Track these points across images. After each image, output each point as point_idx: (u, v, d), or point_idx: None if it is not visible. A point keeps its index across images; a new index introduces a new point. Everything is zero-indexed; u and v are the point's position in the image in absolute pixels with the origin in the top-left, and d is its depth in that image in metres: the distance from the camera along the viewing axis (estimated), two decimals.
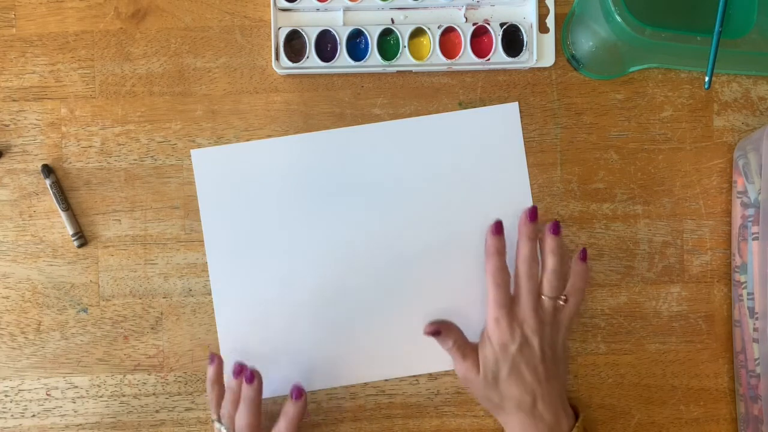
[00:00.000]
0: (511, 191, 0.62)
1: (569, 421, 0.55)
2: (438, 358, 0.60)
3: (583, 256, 0.58)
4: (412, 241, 0.62)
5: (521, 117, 0.62)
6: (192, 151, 0.62)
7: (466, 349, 0.57)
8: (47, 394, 0.62)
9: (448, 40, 0.62)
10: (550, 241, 0.56)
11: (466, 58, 0.61)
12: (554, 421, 0.55)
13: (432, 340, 0.57)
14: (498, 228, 0.57)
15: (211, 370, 0.59)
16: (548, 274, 0.56)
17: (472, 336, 0.57)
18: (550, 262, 0.56)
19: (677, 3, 0.59)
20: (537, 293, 0.56)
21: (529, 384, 0.55)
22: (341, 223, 0.62)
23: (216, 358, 0.59)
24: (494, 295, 0.56)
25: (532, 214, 0.57)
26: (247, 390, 0.56)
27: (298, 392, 0.57)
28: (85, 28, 0.63)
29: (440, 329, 0.57)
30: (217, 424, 0.57)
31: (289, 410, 0.57)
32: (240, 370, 0.57)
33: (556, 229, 0.56)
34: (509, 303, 0.56)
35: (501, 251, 0.57)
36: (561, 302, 0.56)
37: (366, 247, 0.62)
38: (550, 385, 0.55)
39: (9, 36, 0.62)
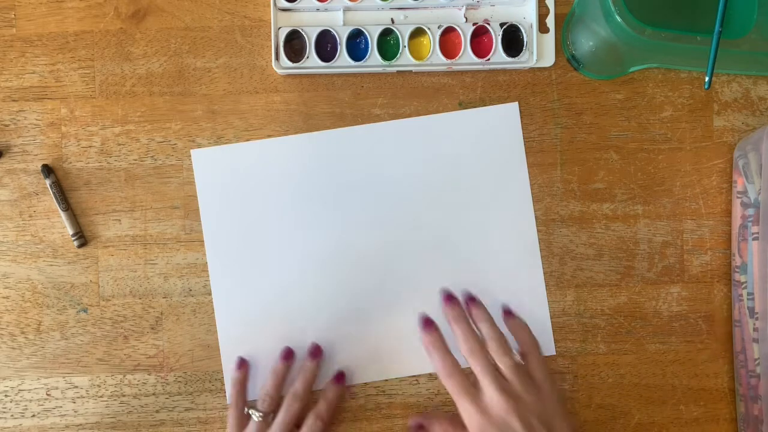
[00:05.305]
0: (511, 191, 0.62)
1: None
2: None
3: (508, 313, 0.57)
4: (411, 240, 0.62)
5: (521, 117, 0.62)
6: (192, 151, 0.62)
7: None
8: (47, 394, 0.62)
9: (448, 40, 0.62)
10: (473, 312, 0.55)
11: (466, 58, 0.61)
12: None
13: None
14: (426, 323, 0.55)
15: (239, 374, 0.60)
16: (489, 343, 0.53)
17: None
18: (484, 330, 0.54)
19: (677, 3, 0.59)
20: (491, 367, 0.52)
21: None
22: (341, 223, 0.62)
23: (244, 363, 0.60)
24: (451, 387, 0.52)
25: (447, 298, 0.55)
26: (309, 363, 0.59)
27: (340, 376, 0.60)
28: (85, 28, 0.63)
29: (423, 423, 0.56)
30: (254, 413, 0.58)
31: (329, 393, 0.60)
32: (289, 354, 0.60)
33: (473, 300, 0.55)
34: (470, 389, 0.52)
35: (437, 343, 0.54)
36: (519, 360, 0.53)
37: (366, 246, 0.62)
38: None
39: (9, 36, 0.63)
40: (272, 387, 0.59)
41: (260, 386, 0.60)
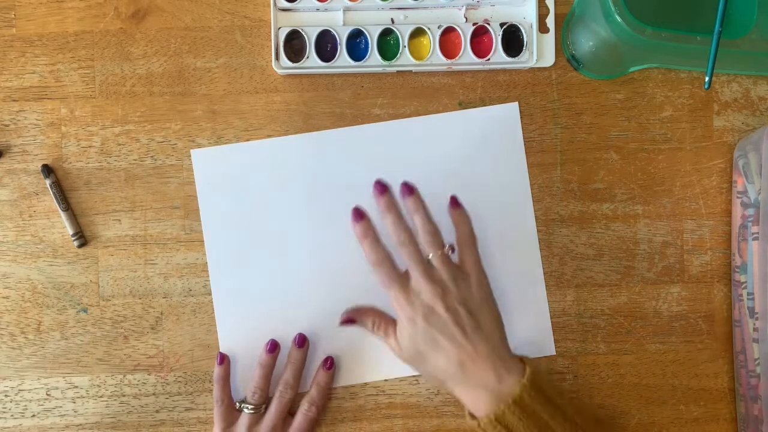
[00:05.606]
0: (511, 191, 0.62)
1: (513, 377, 0.50)
2: None
3: (454, 203, 0.56)
4: None
5: (521, 117, 0.62)
6: (192, 151, 0.62)
7: (388, 327, 0.55)
8: (47, 394, 0.62)
9: (448, 40, 0.62)
10: (407, 203, 0.55)
11: (466, 58, 0.61)
12: (494, 381, 0.50)
13: None
14: (356, 214, 0.54)
15: (220, 369, 0.60)
16: (420, 233, 0.54)
17: None
18: (417, 220, 0.54)
19: (677, 3, 0.59)
20: (420, 257, 0.53)
21: (451, 351, 0.51)
22: (341, 223, 0.62)
23: (225, 357, 0.60)
24: (379, 276, 0.53)
25: (379, 187, 0.55)
26: (296, 353, 0.60)
27: (329, 363, 0.61)
28: (85, 28, 0.63)
29: (353, 317, 0.56)
30: (245, 407, 0.59)
31: (320, 380, 0.60)
32: (274, 346, 0.60)
33: (409, 190, 0.55)
34: (399, 278, 0.53)
35: (367, 233, 0.54)
36: (449, 252, 0.54)
37: None
38: (476, 345, 0.51)
39: (9, 36, 0.63)
40: (261, 379, 0.59)
41: (220, 378, 0.60)
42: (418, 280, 0.53)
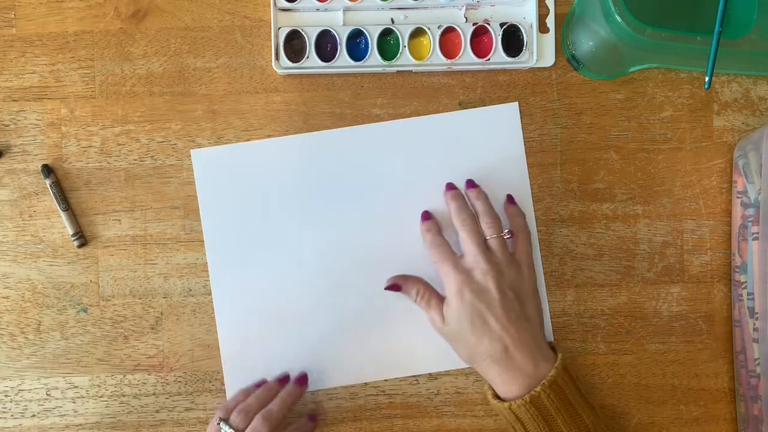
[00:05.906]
0: (511, 191, 0.62)
1: (548, 364, 0.53)
2: (438, 357, 0.60)
3: (510, 200, 0.60)
4: (412, 240, 0.61)
5: (521, 117, 0.62)
6: (192, 151, 0.62)
7: (432, 299, 0.57)
8: (47, 394, 0.62)
9: (448, 40, 0.62)
10: (470, 193, 0.59)
11: (466, 58, 0.61)
12: (531, 366, 0.53)
13: (431, 338, 0.57)
14: (425, 213, 0.60)
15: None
16: (481, 217, 0.57)
17: None
18: (478, 206, 0.58)
19: (677, 3, 0.59)
20: (479, 238, 0.56)
21: (496, 331, 0.53)
22: (341, 223, 0.62)
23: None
24: (434, 256, 0.56)
25: (449, 185, 0.60)
26: (292, 388, 0.58)
27: (312, 416, 0.61)
28: (85, 28, 0.63)
29: (399, 284, 0.58)
30: (225, 428, 0.54)
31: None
32: (285, 378, 0.59)
33: (473, 184, 0.59)
34: (452, 255, 0.56)
35: (431, 227, 0.58)
36: (507, 237, 0.56)
37: (366, 246, 0.62)
38: (520, 330, 0.53)
39: (9, 36, 0.63)
40: (254, 403, 0.55)
41: (241, 392, 0.58)
42: (475, 258, 0.55)
